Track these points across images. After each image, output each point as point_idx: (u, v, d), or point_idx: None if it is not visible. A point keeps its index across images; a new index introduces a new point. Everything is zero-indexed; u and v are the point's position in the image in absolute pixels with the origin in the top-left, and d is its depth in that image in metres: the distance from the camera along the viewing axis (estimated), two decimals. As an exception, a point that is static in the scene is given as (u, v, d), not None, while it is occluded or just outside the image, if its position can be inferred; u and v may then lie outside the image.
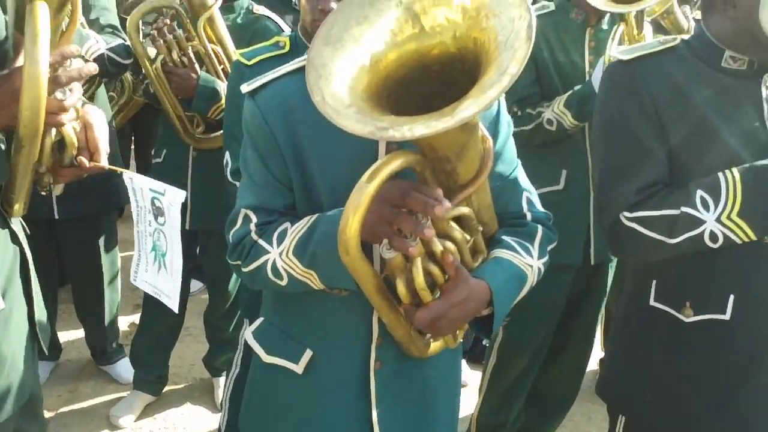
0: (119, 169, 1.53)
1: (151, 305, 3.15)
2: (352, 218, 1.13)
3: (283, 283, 1.37)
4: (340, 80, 1.11)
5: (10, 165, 1.41)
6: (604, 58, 2.36)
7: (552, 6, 2.57)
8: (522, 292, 1.44)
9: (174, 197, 1.52)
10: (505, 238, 1.44)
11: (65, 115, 1.38)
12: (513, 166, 1.52)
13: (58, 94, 1.32)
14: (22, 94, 1.26)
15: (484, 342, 3.53)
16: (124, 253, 4.70)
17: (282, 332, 1.53)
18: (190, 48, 2.64)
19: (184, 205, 2.79)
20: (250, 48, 2.25)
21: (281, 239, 1.35)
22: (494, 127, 1.44)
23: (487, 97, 1.00)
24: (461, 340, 1.57)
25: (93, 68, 1.39)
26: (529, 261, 1.43)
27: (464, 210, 1.28)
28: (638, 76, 1.57)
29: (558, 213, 2.49)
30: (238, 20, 2.78)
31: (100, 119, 1.53)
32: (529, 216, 1.51)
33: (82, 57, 2.66)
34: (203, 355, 3.39)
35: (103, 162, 1.50)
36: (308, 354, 1.48)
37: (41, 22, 1.24)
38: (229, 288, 3.17)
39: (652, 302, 1.65)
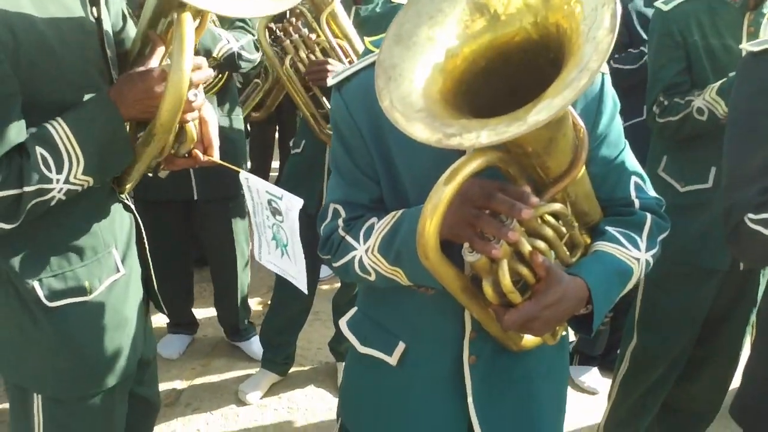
0: (234, 168, 1.58)
1: (282, 288, 3.24)
2: (429, 222, 1.09)
3: (372, 278, 1.37)
4: (411, 81, 1.06)
5: (133, 153, 1.51)
6: None
7: None
8: (626, 286, 1.35)
9: (291, 203, 1.53)
10: (609, 229, 1.34)
11: (192, 113, 1.47)
12: (620, 148, 1.40)
13: (190, 96, 1.39)
14: (165, 96, 1.34)
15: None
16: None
17: (376, 324, 1.52)
18: (316, 45, 2.68)
19: (319, 196, 2.88)
20: (381, 35, 2.23)
21: (367, 236, 1.34)
22: (597, 106, 1.34)
23: (563, 98, 0.92)
24: (564, 333, 1.49)
25: (212, 73, 1.51)
26: (636, 254, 1.33)
27: (556, 206, 1.19)
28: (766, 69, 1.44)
29: (705, 213, 2.37)
30: (377, 9, 2.78)
31: (213, 116, 1.61)
32: (637, 203, 1.40)
33: (214, 58, 2.81)
34: (329, 340, 3.44)
35: (216, 156, 1.57)
36: (401, 346, 1.46)
37: (188, 33, 1.31)
38: None
39: None
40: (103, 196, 1.60)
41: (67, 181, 1.39)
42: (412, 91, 1.05)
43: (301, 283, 1.62)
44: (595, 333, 3.53)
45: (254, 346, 3.56)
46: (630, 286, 1.36)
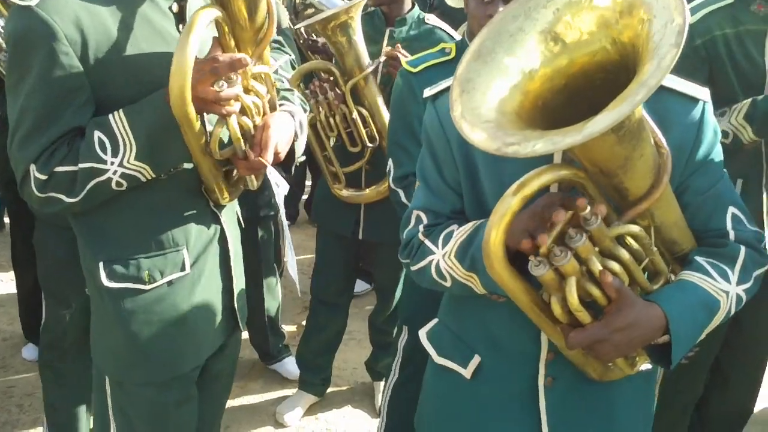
0: (268, 164, 1.61)
1: (318, 310, 3.26)
2: (495, 231, 1.11)
3: (447, 284, 1.40)
4: (483, 94, 1.08)
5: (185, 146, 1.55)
6: None
7: None
8: (713, 321, 1.29)
9: (282, 191, 1.67)
10: (698, 259, 1.31)
11: (227, 107, 1.48)
12: (716, 178, 1.37)
13: (216, 87, 1.43)
14: (171, 78, 1.38)
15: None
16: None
17: (453, 335, 1.54)
18: (338, 110, 2.72)
19: (356, 217, 2.91)
20: (417, 55, 2.25)
21: (446, 241, 1.37)
22: (695, 134, 1.32)
23: (619, 113, 0.92)
24: (648, 367, 1.44)
25: (245, 63, 1.47)
26: (724, 286, 1.29)
27: (632, 228, 1.18)
28: None
29: None
30: (411, 32, 2.80)
31: (282, 123, 1.64)
32: (732, 234, 1.36)
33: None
34: (365, 359, 3.44)
35: (269, 159, 1.58)
36: (476, 360, 1.47)
37: (199, 21, 1.39)
38: (395, 294, 3.19)
39: None
40: (182, 198, 1.67)
41: (121, 165, 1.48)
42: (483, 104, 1.07)
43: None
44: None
45: (288, 366, 3.55)
46: (718, 321, 1.31)
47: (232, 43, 1.53)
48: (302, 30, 3.76)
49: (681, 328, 1.22)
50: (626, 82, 1.03)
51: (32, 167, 1.47)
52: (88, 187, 1.49)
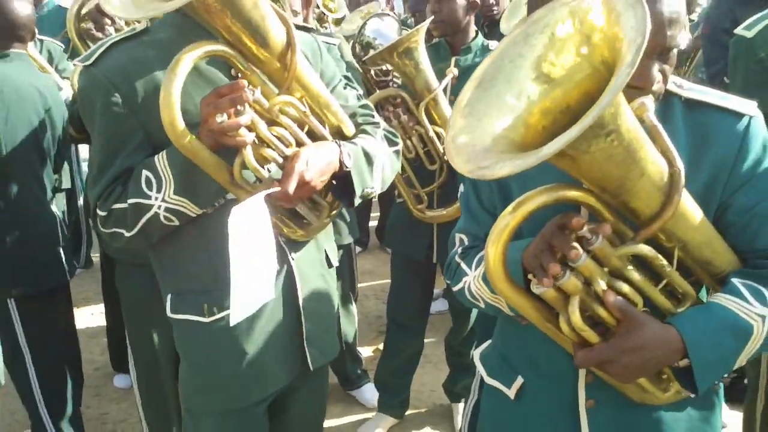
0: (290, 193, 1.56)
1: (395, 333, 3.31)
2: (492, 248, 1.12)
3: (481, 305, 1.44)
4: (479, 121, 1.10)
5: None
6: None
7: None
8: (747, 345, 1.22)
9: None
10: (734, 281, 1.25)
11: (239, 138, 1.47)
12: (763, 195, 1.29)
13: (218, 118, 1.44)
14: (161, 115, 1.43)
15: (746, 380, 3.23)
16: (366, 284, 4.98)
17: (500, 356, 1.57)
18: (414, 131, 2.78)
19: (429, 241, 2.96)
20: None
21: (479, 264, 1.40)
22: (738, 149, 1.28)
23: (569, 135, 0.93)
24: (693, 395, 1.32)
25: (246, 96, 1.46)
26: (760, 310, 1.22)
27: (640, 249, 1.16)
28: None
29: None
30: (476, 58, 2.86)
31: (317, 153, 1.60)
32: None
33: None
34: (442, 381, 3.47)
35: (289, 189, 1.53)
36: (519, 381, 1.50)
37: (185, 58, 1.41)
38: (471, 315, 3.22)
39: None
40: None
41: (164, 200, 1.57)
42: (479, 129, 1.09)
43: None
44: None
45: (366, 394, 3.60)
46: (755, 345, 1.23)
47: (260, 78, 1.55)
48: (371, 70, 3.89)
49: (702, 352, 1.18)
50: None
51: (97, 205, 1.63)
52: (141, 222, 1.59)
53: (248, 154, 1.51)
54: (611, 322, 1.17)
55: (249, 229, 1.54)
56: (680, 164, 1.13)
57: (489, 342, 1.65)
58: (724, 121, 1.29)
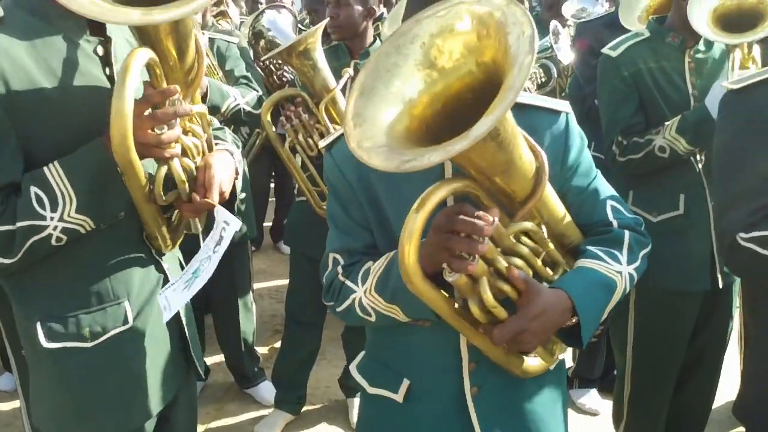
0: (215, 204, 1.59)
1: (293, 330, 3.37)
2: (408, 247, 1.18)
3: (372, 319, 1.46)
4: (372, 125, 1.18)
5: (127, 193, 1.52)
6: (718, 83, 2.34)
7: (646, 33, 2.56)
8: (613, 299, 1.42)
9: (233, 227, 1.60)
10: (589, 248, 1.44)
11: (169, 150, 1.46)
12: (591, 177, 1.51)
13: (156, 130, 1.42)
14: (111, 125, 1.35)
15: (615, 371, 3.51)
16: (261, 284, 5.00)
17: (382, 364, 1.60)
18: (315, 129, 2.84)
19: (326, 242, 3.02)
20: None
21: (365, 278, 1.43)
22: (564, 141, 1.46)
23: (494, 116, 1.05)
24: (560, 358, 1.57)
25: (188, 109, 1.47)
26: (617, 267, 1.42)
27: (525, 225, 1.30)
28: (749, 104, 1.59)
29: (682, 240, 2.52)
30: None
31: (223, 163, 1.62)
32: (615, 223, 1.50)
33: (222, 113, 2.97)
34: (337, 377, 3.56)
35: (214, 200, 1.56)
36: (405, 383, 1.53)
37: (133, 64, 1.35)
38: None
39: None
40: (121, 248, 1.64)
41: (61, 219, 1.44)
42: (375, 133, 1.17)
43: (168, 315, 1.63)
44: (595, 357, 3.62)
45: (263, 392, 3.64)
46: (617, 298, 1.43)
47: (165, 85, 1.48)
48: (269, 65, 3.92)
49: (586, 308, 1.34)
50: (493, 97, 1.15)
51: None
52: (27, 245, 1.44)
53: (177, 166, 1.50)
54: (514, 296, 1.28)
55: (211, 243, 1.60)
56: (543, 153, 1.29)
57: (362, 354, 1.68)
58: (547, 119, 1.45)
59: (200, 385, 3.69)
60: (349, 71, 2.86)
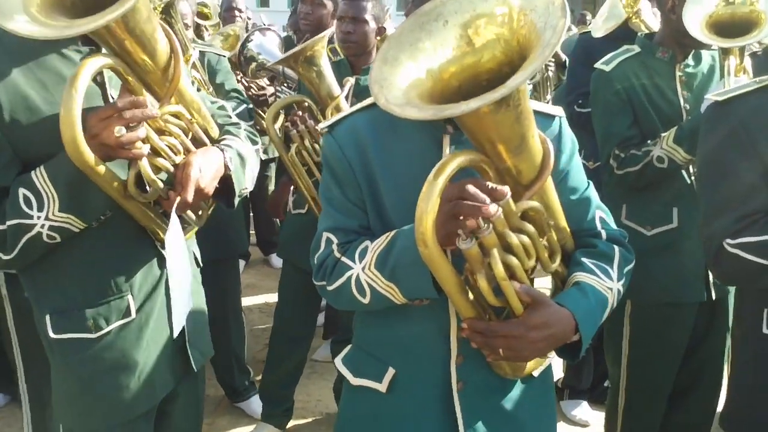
0: (190, 202, 1.61)
1: (278, 344, 3.36)
2: (426, 211, 1.19)
3: (366, 300, 1.43)
4: (398, 88, 1.23)
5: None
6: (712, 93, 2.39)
7: (636, 48, 2.62)
8: (604, 315, 1.45)
9: (173, 237, 1.64)
10: (584, 260, 1.46)
11: (134, 150, 1.49)
12: (582, 183, 1.55)
13: (116, 131, 1.45)
14: (61, 132, 1.40)
15: (606, 383, 3.52)
16: (250, 298, 4.99)
17: (367, 354, 1.60)
18: (319, 136, 2.82)
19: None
20: None
21: (363, 255, 1.43)
22: (557, 145, 1.48)
23: (533, 67, 1.09)
24: (546, 366, 1.60)
25: (152, 113, 1.50)
26: (609, 284, 1.44)
27: (533, 203, 1.31)
28: (734, 115, 1.63)
29: (676, 252, 2.54)
30: None
31: (205, 158, 1.66)
32: (604, 234, 1.53)
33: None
34: (333, 384, 3.54)
35: (188, 197, 1.59)
36: (391, 372, 1.54)
37: (83, 72, 1.39)
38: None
39: (765, 330, 1.65)
40: (123, 243, 1.70)
41: (47, 218, 1.51)
42: (398, 95, 1.22)
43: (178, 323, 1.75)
44: (582, 367, 3.63)
45: (254, 405, 3.61)
46: (606, 314, 1.46)
47: (142, 87, 1.53)
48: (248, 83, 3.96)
49: (588, 329, 1.37)
50: (509, 76, 1.19)
51: None
52: (21, 243, 1.53)
53: (145, 165, 1.54)
54: (521, 273, 1.29)
55: (174, 245, 1.62)
56: (548, 139, 1.33)
57: (349, 347, 1.68)
58: (541, 123, 1.44)
59: (191, 399, 3.67)
60: (350, 80, 2.90)
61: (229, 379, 3.61)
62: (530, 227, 1.30)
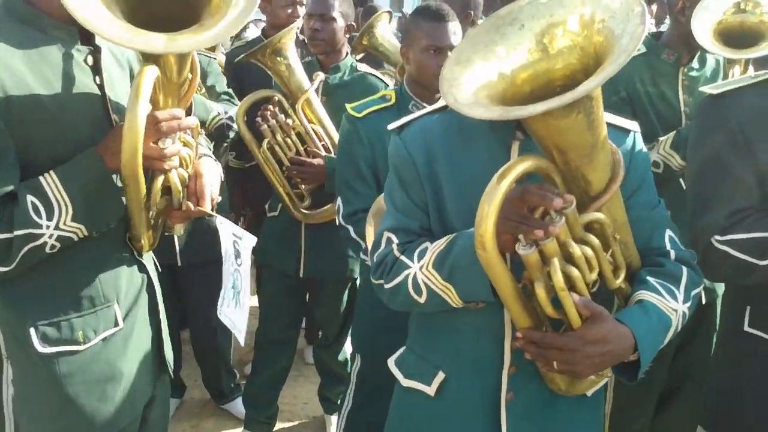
0: (213, 214, 1.66)
1: (264, 348, 3.30)
2: (488, 213, 1.18)
3: (422, 299, 1.44)
4: (468, 88, 1.22)
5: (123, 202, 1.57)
6: None
7: (643, 48, 2.59)
8: (667, 337, 1.41)
9: (248, 242, 1.66)
10: (649, 279, 1.42)
11: (168, 162, 1.53)
12: (653, 200, 1.52)
13: (160, 144, 1.48)
14: (123, 139, 1.40)
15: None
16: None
17: (419, 357, 1.61)
18: (292, 130, 2.82)
19: (298, 256, 3.02)
20: (360, 102, 2.41)
21: (422, 255, 1.43)
22: (629, 159, 1.45)
23: (606, 74, 1.08)
24: (596, 389, 1.55)
25: (193, 121, 1.54)
26: (674, 305, 1.40)
27: (599, 215, 1.28)
28: (726, 109, 1.60)
29: None
30: (345, 77, 2.97)
31: (211, 170, 1.69)
32: (672, 254, 1.49)
33: (207, 128, 2.96)
34: (318, 388, 3.48)
35: (207, 208, 1.62)
36: (440, 376, 1.53)
37: (145, 81, 1.40)
38: (338, 326, 3.29)
39: (746, 328, 1.65)
40: (109, 251, 1.66)
41: (57, 228, 1.47)
42: (471, 93, 1.21)
43: (242, 335, 1.75)
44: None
45: (240, 406, 3.53)
46: (670, 336, 1.41)
47: (160, 97, 1.52)
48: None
49: (647, 348, 1.33)
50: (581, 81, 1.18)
51: None
52: (22, 252, 1.46)
53: (174, 177, 1.56)
54: (582, 285, 1.27)
55: (229, 251, 1.68)
56: (618, 151, 1.31)
57: (403, 349, 1.69)
58: (615, 136, 1.43)
59: (177, 402, 3.63)
60: (320, 74, 2.86)
61: (216, 381, 3.56)
62: (594, 239, 1.28)
